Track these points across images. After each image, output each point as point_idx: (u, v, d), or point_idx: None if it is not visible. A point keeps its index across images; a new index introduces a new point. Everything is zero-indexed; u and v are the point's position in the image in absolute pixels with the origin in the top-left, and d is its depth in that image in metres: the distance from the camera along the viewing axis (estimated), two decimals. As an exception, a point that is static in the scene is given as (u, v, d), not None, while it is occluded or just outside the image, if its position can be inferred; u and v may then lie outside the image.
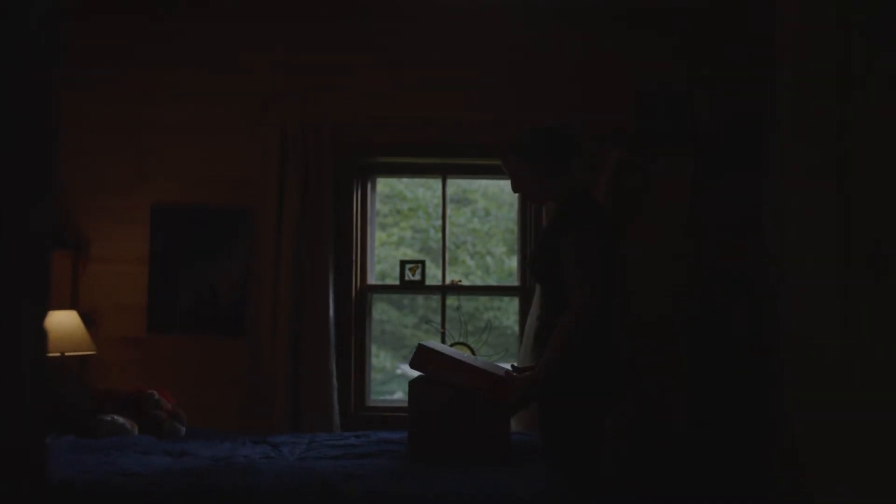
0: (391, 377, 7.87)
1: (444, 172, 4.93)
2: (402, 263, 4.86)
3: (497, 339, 6.91)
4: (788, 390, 3.98)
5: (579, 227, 2.98)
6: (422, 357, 3.41)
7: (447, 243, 4.93)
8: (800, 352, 3.84)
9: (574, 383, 2.94)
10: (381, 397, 5.15)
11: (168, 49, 4.79)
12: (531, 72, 4.72)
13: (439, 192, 4.97)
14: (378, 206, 5.08)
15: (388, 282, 5.06)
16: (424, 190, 7.93)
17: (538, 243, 3.28)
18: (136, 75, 4.78)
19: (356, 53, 4.75)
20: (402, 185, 7.71)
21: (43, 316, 1.41)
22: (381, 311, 7.50)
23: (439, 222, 4.96)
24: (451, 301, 4.90)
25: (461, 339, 4.68)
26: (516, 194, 4.76)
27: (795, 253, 3.92)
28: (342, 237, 4.73)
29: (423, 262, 4.86)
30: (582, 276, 2.91)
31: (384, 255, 7.31)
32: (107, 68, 4.78)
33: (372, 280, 4.90)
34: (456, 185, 5.87)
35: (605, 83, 4.69)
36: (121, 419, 3.91)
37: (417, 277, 4.83)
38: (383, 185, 5.43)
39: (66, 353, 4.32)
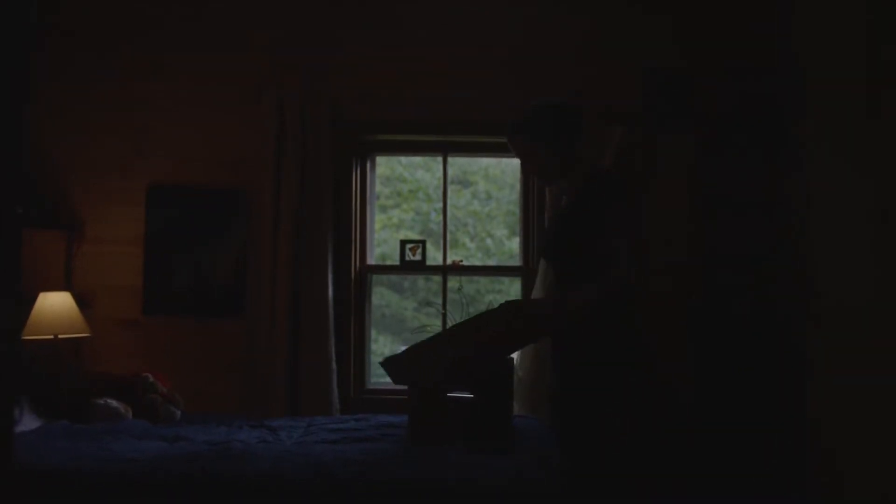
0: (392, 360, 7.78)
1: (446, 151, 4.83)
2: (403, 243, 4.77)
3: (499, 321, 6.81)
4: (816, 367, 3.89)
5: (620, 201, 2.90)
6: (394, 366, 3.20)
7: (448, 225, 4.84)
8: (830, 327, 3.76)
9: (597, 370, 2.87)
10: (382, 380, 5.07)
11: (165, 27, 4.70)
12: (532, 49, 4.62)
13: (439, 174, 4.87)
14: (378, 188, 4.98)
15: (389, 264, 4.97)
16: (424, 172, 7.82)
17: (558, 224, 3.14)
18: (132, 54, 4.70)
19: (355, 31, 4.65)
20: (402, 166, 7.61)
21: (9, 307, 1.33)
22: (381, 297, 7.40)
23: (440, 205, 4.86)
24: (453, 283, 4.81)
25: (462, 321, 4.59)
26: (522, 174, 4.71)
27: (825, 230, 3.84)
28: (341, 217, 4.64)
29: (423, 242, 4.78)
30: (622, 250, 2.84)
31: (384, 238, 7.21)
32: (103, 47, 4.70)
33: (371, 261, 4.82)
34: (457, 166, 5.76)
35: (607, 60, 4.59)
36: (114, 403, 3.84)
37: (418, 258, 4.74)
38: (383, 167, 5.33)
39: (60, 336, 4.24)
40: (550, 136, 3.03)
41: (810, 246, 3.97)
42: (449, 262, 4.80)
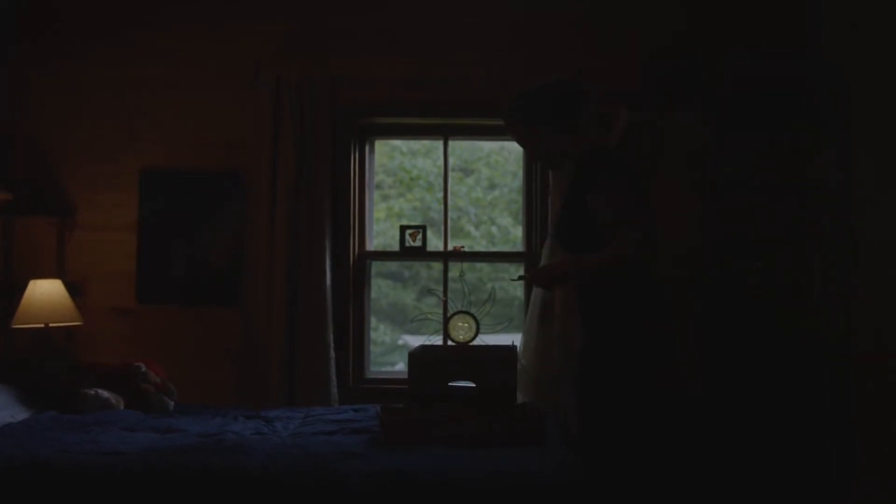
0: (392, 348, 7.71)
1: (447, 134, 4.73)
2: (403, 229, 4.67)
3: (501, 309, 6.72)
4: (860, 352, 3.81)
5: (619, 172, 2.75)
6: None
7: (449, 213, 4.73)
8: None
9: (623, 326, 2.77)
10: (382, 369, 4.96)
11: (158, 8, 4.60)
12: (534, 29, 4.53)
13: (440, 162, 4.76)
14: (379, 177, 4.88)
15: (388, 250, 4.85)
16: (425, 160, 7.72)
17: (563, 205, 3.00)
18: (125, 35, 4.61)
19: (354, 12, 4.56)
20: (402, 154, 7.50)
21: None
22: (381, 288, 7.30)
23: (441, 194, 4.75)
24: (455, 271, 4.70)
25: (464, 308, 4.49)
26: (525, 161, 4.60)
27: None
28: (339, 202, 4.54)
29: (423, 228, 4.67)
30: (631, 222, 2.68)
31: (385, 228, 7.11)
32: (95, 30, 4.60)
33: (371, 247, 4.71)
34: (458, 153, 5.65)
35: (611, 40, 4.49)
36: (106, 393, 3.75)
37: (418, 244, 4.64)
38: (384, 156, 5.21)
39: (51, 325, 4.15)
40: (550, 120, 2.90)
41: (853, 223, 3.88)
42: (450, 248, 4.69)
